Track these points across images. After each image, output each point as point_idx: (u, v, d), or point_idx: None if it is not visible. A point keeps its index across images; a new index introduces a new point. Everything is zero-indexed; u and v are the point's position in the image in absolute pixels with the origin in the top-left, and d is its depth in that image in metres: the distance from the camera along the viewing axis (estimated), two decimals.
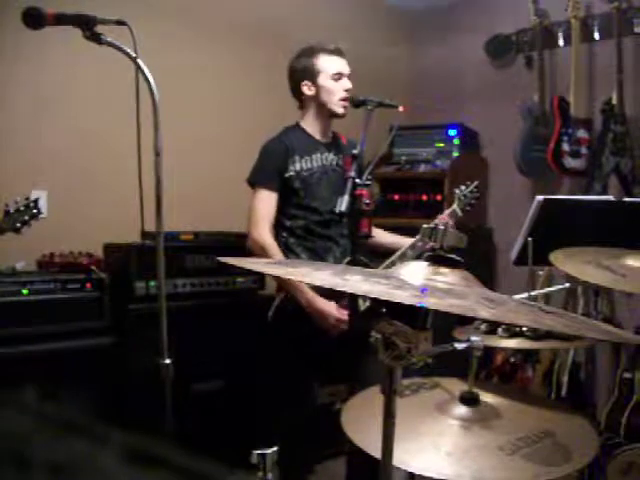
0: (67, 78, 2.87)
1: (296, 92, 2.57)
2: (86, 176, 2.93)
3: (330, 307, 2.34)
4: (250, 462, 1.14)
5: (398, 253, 2.47)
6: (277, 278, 2.49)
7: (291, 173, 2.48)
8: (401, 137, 3.86)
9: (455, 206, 2.54)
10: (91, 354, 2.48)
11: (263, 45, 3.52)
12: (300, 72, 2.53)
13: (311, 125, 2.57)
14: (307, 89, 2.52)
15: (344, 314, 2.31)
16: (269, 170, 2.49)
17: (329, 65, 2.49)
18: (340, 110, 2.51)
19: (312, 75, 2.50)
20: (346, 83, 2.50)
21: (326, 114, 2.53)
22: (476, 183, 2.59)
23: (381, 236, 2.63)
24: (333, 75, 2.49)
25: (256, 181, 2.51)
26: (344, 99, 2.48)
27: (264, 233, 2.45)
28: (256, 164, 2.54)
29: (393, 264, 2.44)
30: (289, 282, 2.39)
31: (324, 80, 2.49)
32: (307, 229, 2.50)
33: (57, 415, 0.36)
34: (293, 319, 2.41)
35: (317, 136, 2.57)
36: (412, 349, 0.93)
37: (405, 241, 2.60)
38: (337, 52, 2.52)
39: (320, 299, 2.34)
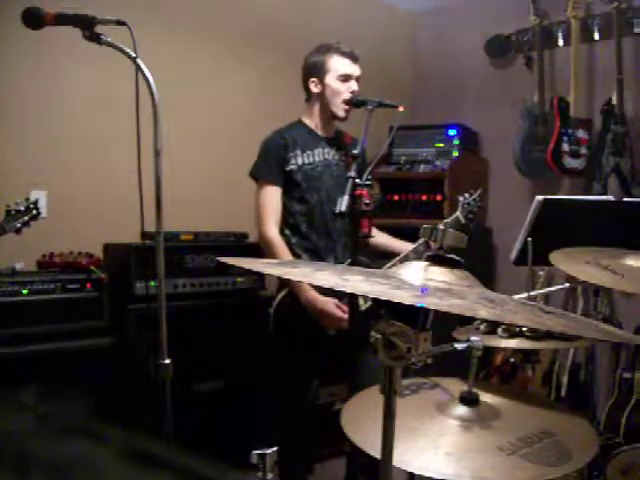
0: (67, 78, 2.87)
1: (305, 86, 2.60)
2: (86, 176, 2.93)
3: (330, 306, 2.34)
4: (250, 462, 1.14)
5: (400, 256, 2.48)
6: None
7: (292, 167, 2.50)
8: (401, 137, 3.85)
9: (458, 213, 2.55)
10: (91, 354, 2.48)
11: (263, 45, 3.52)
12: (310, 68, 2.56)
13: (313, 121, 2.59)
14: (314, 86, 2.55)
15: (344, 312, 2.31)
16: (271, 164, 2.51)
17: (338, 66, 2.51)
18: (341, 113, 2.53)
19: (321, 72, 2.52)
20: (353, 85, 2.51)
21: (328, 114, 2.55)
22: (480, 191, 2.60)
23: (377, 237, 2.65)
24: (340, 76, 2.50)
25: (259, 176, 2.53)
26: (347, 102, 2.49)
27: (270, 229, 2.46)
28: (258, 158, 2.56)
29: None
30: (290, 280, 2.40)
31: (331, 80, 2.51)
32: (310, 225, 2.51)
33: (57, 415, 0.36)
34: (294, 316, 2.42)
35: (319, 131, 2.59)
36: (412, 349, 0.93)
37: (399, 244, 2.61)
38: (350, 55, 2.53)
39: (320, 298, 2.35)
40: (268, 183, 2.50)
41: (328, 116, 2.56)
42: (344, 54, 2.52)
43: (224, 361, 2.84)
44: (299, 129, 2.58)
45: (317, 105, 2.57)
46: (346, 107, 2.50)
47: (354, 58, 2.54)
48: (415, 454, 1.17)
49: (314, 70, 2.54)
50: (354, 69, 2.53)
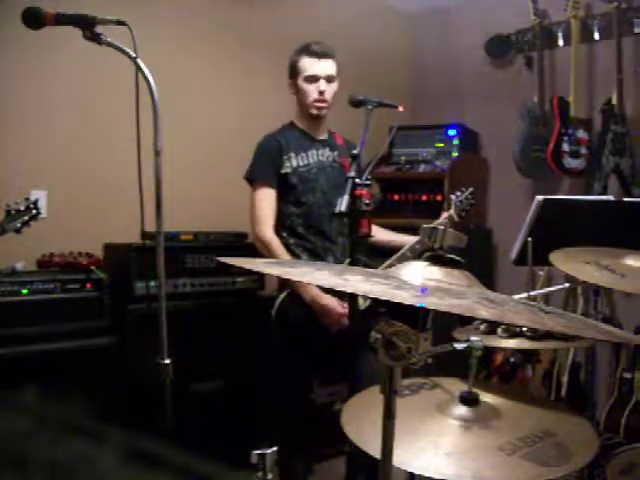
0: (67, 78, 2.87)
1: None
2: (86, 176, 2.93)
3: (334, 303, 2.35)
4: (250, 462, 1.14)
5: (397, 255, 2.48)
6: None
7: (287, 170, 2.51)
8: (401, 137, 3.85)
9: (452, 211, 2.57)
10: (91, 354, 2.48)
11: (263, 45, 3.52)
12: (289, 70, 2.59)
13: (303, 122, 2.60)
14: (291, 88, 2.59)
15: (346, 310, 2.32)
16: (266, 167, 2.51)
17: (306, 67, 2.52)
18: (314, 111, 2.54)
19: (294, 75, 2.56)
20: (321, 85, 2.50)
21: (308, 113, 2.57)
22: (471, 189, 2.62)
23: (377, 233, 2.65)
24: (307, 77, 2.51)
25: (254, 178, 2.53)
26: (318, 101, 2.51)
27: (267, 230, 2.47)
28: (253, 161, 2.56)
29: (392, 266, 2.44)
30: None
31: (300, 81, 2.54)
32: (306, 227, 2.51)
33: (57, 415, 0.36)
34: (295, 317, 2.42)
35: (311, 133, 2.59)
36: (412, 349, 0.93)
37: (402, 238, 2.62)
38: (317, 54, 2.51)
39: (324, 295, 2.36)
40: (263, 185, 2.51)
41: (309, 116, 2.57)
42: (311, 54, 2.51)
43: (224, 361, 2.84)
44: (292, 132, 2.58)
45: (299, 106, 2.60)
46: (318, 104, 2.51)
47: (322, 56, 2.52)
48: (415, 454, 1.17)
49: (290, 72, 2.58)
50: (322, 68, 2.51)
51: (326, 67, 2.52)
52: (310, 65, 2.51)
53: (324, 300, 2.36)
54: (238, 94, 3.48)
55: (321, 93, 2.50)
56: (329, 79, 2.52)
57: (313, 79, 2.50)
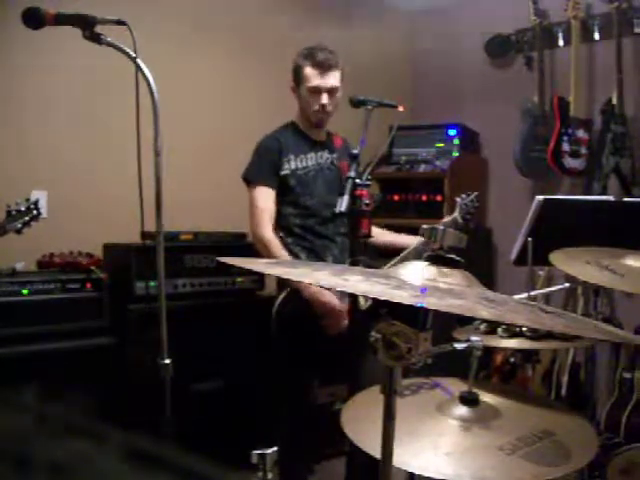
0: (67, 78, 2.87)
1: None
2: (86, 176, 2.94)
3: (334, 300, 2.35)
4: (250, 462, 1.14)
5: (401, 255, 2.48)
6: None
7: (286, 171, 2.51)
8: (401, 137, 3.85)
9: (456, 214, 2.58)
10: (91, 354, 2.48)
11: (262, 46, 3.52)
12: (293, 70, 2.57)
13: (303, 124, 2.59)
14: (293, 90, 2.58)
15: (346, 307, 2.32)
16: (266, 167, 2.51)
17: (309, 77, 2.49)
18: (313, 120, 2.55)
19: (298, 79, 2.54)
20: (323, 98, 2.49)
21: (308, 120, 2.57)
22: (476, 193, 2.62)
23: (379, 235, 2.65)
24: (309, 88, 2.49)
25: (253, 178, 2.53)
26: (319, 112, 2.51)
27: (266, 229, 2.46)
28: (252, 161, 2.56)
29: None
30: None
31: (303, 90, 2.52)
32: (304, 228, 2.52)
33: (57, 415, 0.36)
34: (296, 316, 2.42)
35: (311, 135, 2.59)
36: (412, 349, 0.93)
37: (404, 240, 2.62)
38: (322, 66, 2.48)
39: (325, 292, 2.35)
40: (262, 185, 2.50)
41: (309, 121, 2.58)
42: (315, 65, 2.48)
43: (224, 361, 2.84)
44: (292, 132, 2.58)
45: (300, 109, 2.59)
46: (318, 115, 2.52)
47: (326, 69, 2.48)
48: (415, 454, 1.17)
49: (294, 74, 2.55)
50: (325, 80, 2.48)
51: (330, 80, 2.49)
52: (314, 77, 2.48)
53: (323, 297, 2.35)
54: (238, 94, 3.48)
55: (323, 106, 2.49)
56: (332, 91, 2.50)
57: (316, 90, 2.49)
